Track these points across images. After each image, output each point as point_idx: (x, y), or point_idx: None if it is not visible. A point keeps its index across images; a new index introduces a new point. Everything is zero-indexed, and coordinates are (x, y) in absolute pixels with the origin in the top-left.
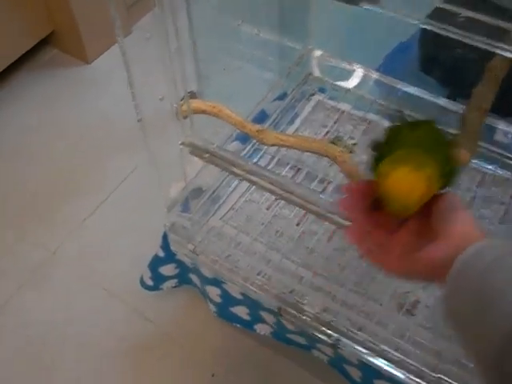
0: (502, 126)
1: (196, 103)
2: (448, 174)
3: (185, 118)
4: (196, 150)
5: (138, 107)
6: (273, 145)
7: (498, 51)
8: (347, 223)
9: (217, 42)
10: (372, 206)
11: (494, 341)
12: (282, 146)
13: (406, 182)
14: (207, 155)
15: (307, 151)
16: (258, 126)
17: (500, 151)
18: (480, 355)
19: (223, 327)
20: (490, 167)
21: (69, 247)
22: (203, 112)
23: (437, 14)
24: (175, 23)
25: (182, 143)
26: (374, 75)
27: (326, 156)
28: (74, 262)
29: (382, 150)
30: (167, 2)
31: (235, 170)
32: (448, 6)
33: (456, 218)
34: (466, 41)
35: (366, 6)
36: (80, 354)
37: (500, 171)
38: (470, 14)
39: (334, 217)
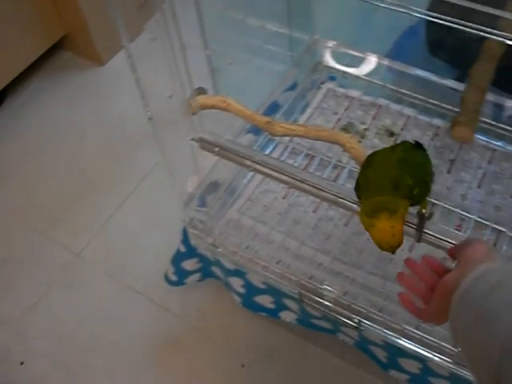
0: (509, 103)
1: (203, 99)
2: (417, 194)
3: (194, 114)
4: (206, 145)
5: (147, 106)
6: (283, 135)
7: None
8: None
9: (227, 36)
10: None
11: (491, 358)
12: (292, 135)
13: (387, 231)
14: (217, 149)
15: (317, 139)
16: (267, 118)
17: (509, 128)
18: (479, 372)
19: (250, 318)
20: (499, 144)
21: (94, 246)
22: (212, 107)
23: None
24: (177, 23)
25: (192, 139)
26: (383, 61)
27: (336, 143)
28: (100, 261)
29: (361, 189)
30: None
31: (246, 162)
32: None
33: (468, 247)
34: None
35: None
36: (111, 351)
37: (509, 147)
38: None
39: (345, 202)
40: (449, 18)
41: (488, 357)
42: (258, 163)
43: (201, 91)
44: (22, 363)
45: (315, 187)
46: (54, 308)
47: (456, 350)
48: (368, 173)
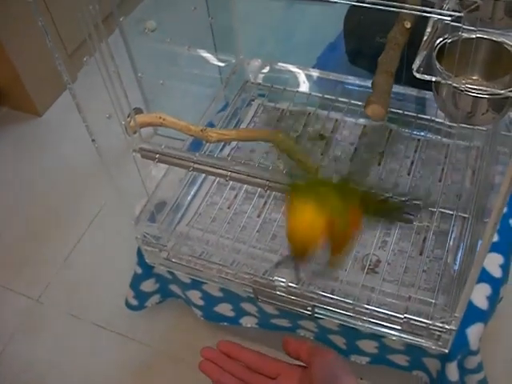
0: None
1: (141, 117)
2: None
3: (134, 133)
4: (147, 154)
5: (89, 130)
6: (217, 141)
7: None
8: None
9: (158, 64)
10: None
11: None
12: (225, 140)
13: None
14: (157, 155)
15: (249, 140)
16: (200, 127)
17: (430, 118)
18: None
19: (214, 331)
20: (422, 134)
21: (53, 289)
22: (149, 124)
23: None
24: (109, 49)
25: (134, 150)
26: (309, 72)
27: (267, 140)
28: (60, 302)
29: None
30: (104, 48)
31: (185, 163)
32: None
33: (324, 363)
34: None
35: None
36: None
37: (431, 135)
38: None
39: (278, 186)
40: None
41: None
42: (196, 162)
43: (138, 111)
44: None
45: (250, 175)
46: (20, 355)
47: (403, 317)
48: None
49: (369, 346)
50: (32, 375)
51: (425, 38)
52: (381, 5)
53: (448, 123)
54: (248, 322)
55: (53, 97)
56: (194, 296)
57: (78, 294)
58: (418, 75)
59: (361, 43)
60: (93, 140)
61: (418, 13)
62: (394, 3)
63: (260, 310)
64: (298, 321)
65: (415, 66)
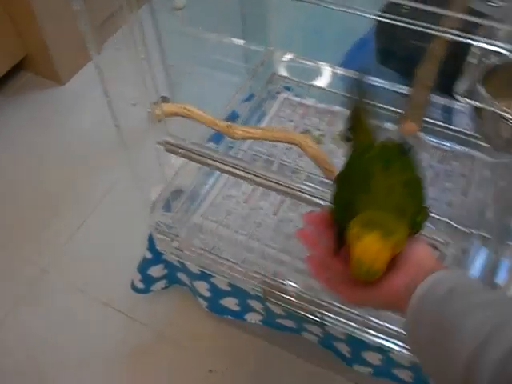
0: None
1: (167, 106)
2: (420, 221)
3: (159, 121)
4: (171, 147)
5: (113, 114)
6: (242, 138)
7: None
8: (320, 201)
9: (185, 50)
10: (335, 241)
11: (454, 368)
12: (251, 138)
13: (371, 252)
14: (182, 151)
15: (275, 141)
16: (227, 123)
17: (456, 128)
18: (442, 380)
19: (217, 323)
20: (447, 144)
21: (60, 261)
22: (175, 114)
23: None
24: (142, 34)
25: (158, 142)
26: (336, 70)
27: (293, 143)
28: (67, 274)
29: (352, 187)
30: (135, 19)
31: (208, 161)
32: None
33: (412, 246)
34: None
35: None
36: (81, 363)
37: (457, 147)
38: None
39: (302, 194)
40: (398, 18)
41: (453, 366)
42: (220, 162)
43: (164, 100)
44: None
45: (274, 182)
46: (22, 323)
47: None
48: (367, 196)
49: (374, 357)
50: (31, 344)
51: (467, 59)
52: (432, 29)
53: (474, 134)
54: (253, 318)
55: (77, 67)
56: (201, 287)
57: (85, 268)
58: (460, 99)
59: (393, 43)
60: (116, 125)
61: (471, 41)
62: (446, 29)
63: (266, 309)
64: (304, 324)
65: (458, 90)
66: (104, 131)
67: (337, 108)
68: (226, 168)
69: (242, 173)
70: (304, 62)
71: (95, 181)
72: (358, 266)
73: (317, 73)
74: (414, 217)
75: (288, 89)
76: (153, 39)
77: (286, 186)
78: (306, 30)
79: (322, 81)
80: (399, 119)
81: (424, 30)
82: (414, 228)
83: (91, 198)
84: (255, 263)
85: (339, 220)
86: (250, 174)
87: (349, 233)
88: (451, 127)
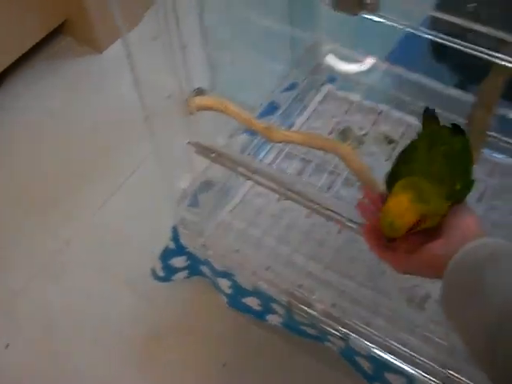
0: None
1: (202, 100)
2: (459, 189)
3: (191, 114)
4: (202, 150)
5: (144, 105)
6: (280, 142)
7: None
8: (352, 224)
9: (227, 33)
10: None
11: (486, 327)
12: (289, 142)
13: (399, 208)
14: (213, 155)
15: (315, 148)
16: (265, 124)
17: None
18: (473, 344)
19: (235, 316)
20: (500, 157)
21: (83, 235)
22: (209, 108)
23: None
24: (178, 22)
25: (189, 142)
26: (384, 65)
27: (335, 154)
28: (88, 250)
29: (399, 161)
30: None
31: (241, 169)
32: None
33: (457, 214)
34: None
35: (366, 15)
36: (95, 340)
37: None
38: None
39: (340, 217)
40: (457, 41)
41: (483, 325)
42: (254, 172)
43: (199, 92)
44: (7, 346)
45: (311, 201)
46: (41, 294)
47: (446, 372)
48: (411, 165)
49: (397, 380)
50: (48, 316)
51: None
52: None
53: None
54: (274, 320)
55: (116, 35)
56: (224, 284)
57: (106, 246)
58: None
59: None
60: (146, 117)
61: None
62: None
63: (288, 314)
64: (326, 335)
65: None
66: (138, 103)
67: (383, 107)
68: (262, 181)
69: (279, 188)
70: (351, 53)
71: (126, 154)
72: (384, 217)
73: (364, 66)
74: (453, 185)
75: (332, 80)
76: (192, 20)
77: (319, 205)
78: (356, 19)
79: (370, 75)
80: None
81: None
82: (453, 196)
83: (121, 171)
84: (281, 273)
85: (389, 190)
86: (287, 189)
87: (387, 186)
88: (506, 139)
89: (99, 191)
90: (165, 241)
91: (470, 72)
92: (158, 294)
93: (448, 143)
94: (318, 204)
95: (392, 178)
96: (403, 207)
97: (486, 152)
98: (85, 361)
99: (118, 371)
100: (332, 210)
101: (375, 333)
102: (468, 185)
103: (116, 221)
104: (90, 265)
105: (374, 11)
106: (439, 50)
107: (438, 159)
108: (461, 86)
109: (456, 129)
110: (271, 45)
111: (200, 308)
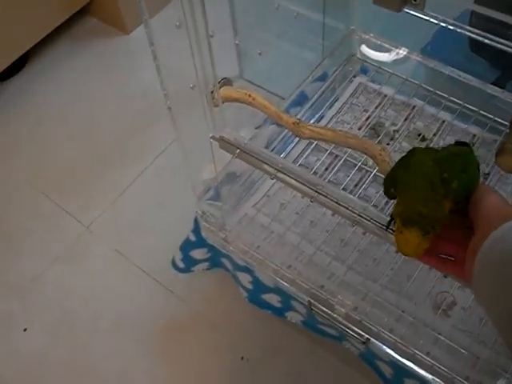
0: None
1: (227, 91)
2: (456, 187)
3: (216, 106)
4: (226, 146)
5: (167, 95)
6: (309, 138)
7: None
8: (380, 231)
9: (257, 20)
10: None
11: None
12: (319, 139)
13: (410, 248)
14: (238, 151)
15: (345, 147)
16: (293, 118)
17: None
18: (507, 331)
19: (255, 311)
20: None
21: (104, 221)
22: (235, 100)
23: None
24: (204, 9)
25: (213, 137)
26: (420, 58)
27: (365, 153)
28: (109, 236)
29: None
30: None
31: (266, 167)
32: None
33: (477, 205)
34: None
35: (412, 12)
36: (113, 328)
37: None
38: None
39: (370, 224)
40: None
41: None
42: (281, 171)
43: (226, 82)
44: (25, 330)
45: (340, 204)
46: (60, 280)
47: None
48: (406, 175)
49: None
50: (67, 303)
51: None
52: None
53: None
54: (293, 317)
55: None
56: (244, 278)
57: (128, 231)
58: None
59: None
60: (168, 108)
61: None
62: None
63: (309, 313)
64: (347, 336)
65: None
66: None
67: (417, 102)
68: (288, 180)
69: (305, 188)
70: (386, 45)
71: (150, 139)
72: (401, 253)
73: (399, 58)
74: (449, 183)
75: (365, 72)
76: (219, 6)
77: (351, 211)
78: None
79: (404, 68)
80: (497, 150)
81: None
82: (451, 195)
83: (144, 157)
84: (303, 272)
85: (387, 193)
86: (315, 191)
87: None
88: None
89: (121, 177)
90: (186, 230)
91: (508, 68)
92: (179, 284)
93: (445, 149)
94: (345, 207)
95: (388, 183)
96: (415, 244)
97: None
98: (102, 349)
99: (135, 361)
100: (362, 216)
101: (397, 339)
102: (468, 184)
103: (137, 208)
104: (109, 252)
105: (421, 9)
106: (478, 42)
107: (428, 163)
108: (501, 82)
109: (460, 143)
110: (302, 33)
111: (220, 300)
